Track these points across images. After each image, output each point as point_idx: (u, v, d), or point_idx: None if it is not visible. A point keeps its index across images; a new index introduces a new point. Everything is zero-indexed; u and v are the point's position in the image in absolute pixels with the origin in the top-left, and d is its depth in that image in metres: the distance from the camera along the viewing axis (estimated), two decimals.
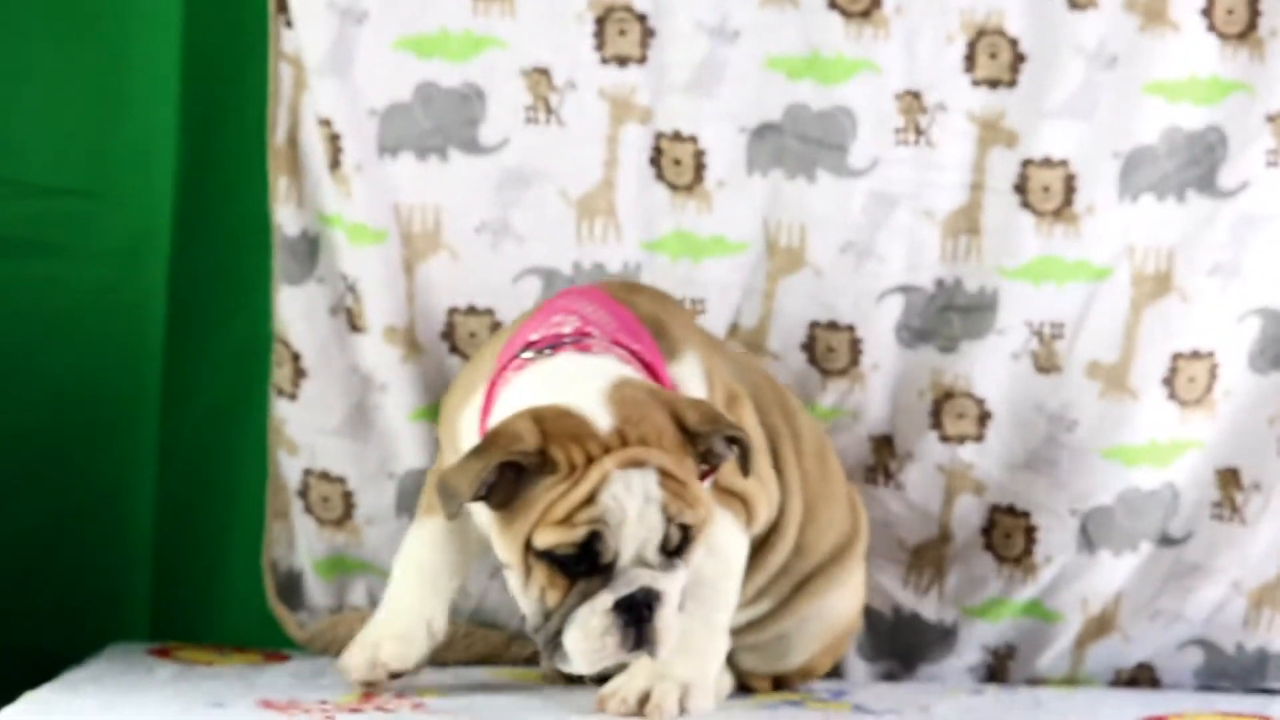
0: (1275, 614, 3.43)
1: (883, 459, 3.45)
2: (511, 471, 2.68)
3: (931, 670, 3.45)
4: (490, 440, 2.68)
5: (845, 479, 3.25)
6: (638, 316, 2.93)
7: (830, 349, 3.42)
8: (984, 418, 3.42)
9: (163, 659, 3.26)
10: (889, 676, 3.46)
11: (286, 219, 3.39)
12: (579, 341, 2.81)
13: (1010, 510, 3.44)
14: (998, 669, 3.46)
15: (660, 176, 3.38)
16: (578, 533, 2.66)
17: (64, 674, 3.08)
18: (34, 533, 3.45)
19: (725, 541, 2.92)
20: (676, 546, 2.71)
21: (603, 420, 2.69)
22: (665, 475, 2.69)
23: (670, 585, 2.71)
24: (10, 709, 2.80)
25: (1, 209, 3.40)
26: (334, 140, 3.34)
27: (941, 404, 3.43)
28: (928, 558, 3.45)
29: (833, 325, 3.41)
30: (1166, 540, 3.44)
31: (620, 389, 2.73)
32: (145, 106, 3.41)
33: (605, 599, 2.68)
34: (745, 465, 2.79)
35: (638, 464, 2.67)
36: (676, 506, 2.69)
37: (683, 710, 2.84)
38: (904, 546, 3.45)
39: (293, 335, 3.41)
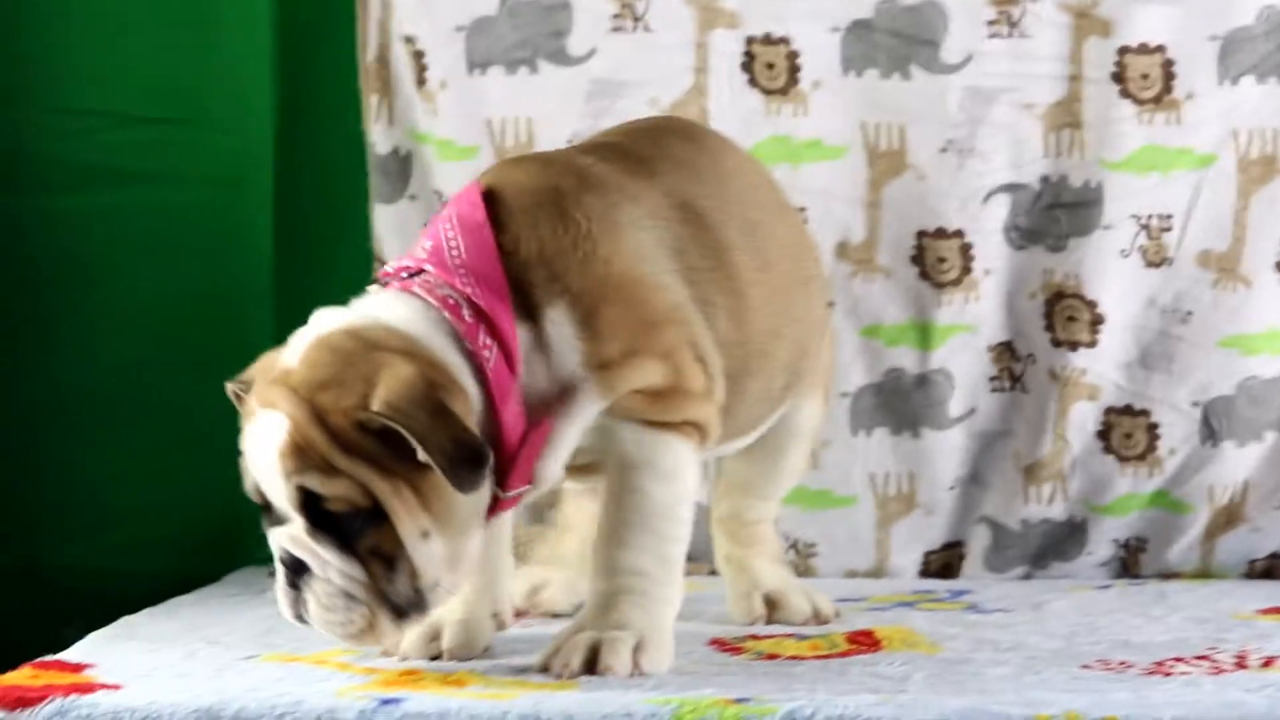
0: None
1: (1005, 364, 3.39)
2: None
3: (1065, 568, 3.37)
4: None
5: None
6: (513, 251, 2.47)
7: (941, 259, 3.36)
8: (1096, 322, 3.35)
9: None
10: (1023, 579, 3.38)
11: (379, 137, 3.39)
12: (404, 279, 2.46)
13: (1128, 410, 3.36)
14: (1129, 563, 3.37)
15: (753, 82, 3.35)
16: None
17: (170, 599, 3.05)
18: (154, 463, 3.45)
19: (676, 465, 2.51)
20: (318, 519, 2.33)
21: (289, 359, 2.37)
22: (298, 427, 2.32)
23: (322, 561, 2.33)
24: (100, 631, 2.74)
25: (104, 139, 3.44)
26: (418, 57, 3.34)
27: (1053, 305, 3.36)
28: (1048, 471, 3.37)
29: (940, 232, 3.36)
30: None
31: (346, 334, 2.37)
32: (239, 33, 3.43)
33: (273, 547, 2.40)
34: (453, 477, 2.32)
35: (269, 405, 2.35)
36: (294, 464, 2.31)
37: (636, 667, 2.41)
38: (1022, 460, 3.38)
39: (389, 253, 3.38)
